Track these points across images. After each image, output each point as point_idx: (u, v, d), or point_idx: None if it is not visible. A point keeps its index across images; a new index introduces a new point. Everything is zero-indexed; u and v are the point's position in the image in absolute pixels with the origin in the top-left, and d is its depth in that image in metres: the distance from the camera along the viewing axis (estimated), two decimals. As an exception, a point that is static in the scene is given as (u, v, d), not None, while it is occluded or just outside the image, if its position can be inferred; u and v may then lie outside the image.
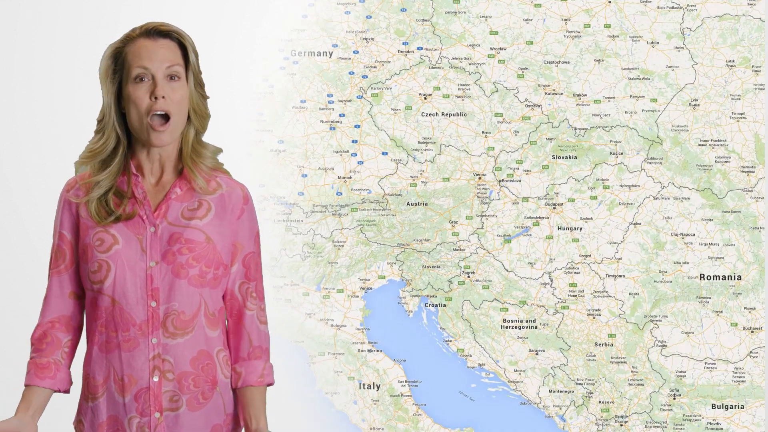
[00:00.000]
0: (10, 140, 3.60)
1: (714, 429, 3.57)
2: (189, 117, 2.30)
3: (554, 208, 3.59)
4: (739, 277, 3.58)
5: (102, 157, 2.28)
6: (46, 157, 3.54)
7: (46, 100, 3.58)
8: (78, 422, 2.33)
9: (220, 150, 2.37)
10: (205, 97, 2.33)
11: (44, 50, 3.58)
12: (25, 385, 2.29)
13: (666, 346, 3.58)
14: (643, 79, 3.59)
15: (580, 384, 3.59)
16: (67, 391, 2.32)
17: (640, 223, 3.59)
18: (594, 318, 3.59)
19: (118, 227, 2.26)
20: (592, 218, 3.59)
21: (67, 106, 3.52)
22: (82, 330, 2.37)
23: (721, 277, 3.59)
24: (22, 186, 3.59)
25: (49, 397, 2.29)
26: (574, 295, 3.59)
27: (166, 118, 2.24)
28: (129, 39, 2.27)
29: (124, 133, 2.29)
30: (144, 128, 2.23)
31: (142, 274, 2.24)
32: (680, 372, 3.58)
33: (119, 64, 2.26)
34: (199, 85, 2.31)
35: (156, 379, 2.24)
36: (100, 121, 2.30)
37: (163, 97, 2.22)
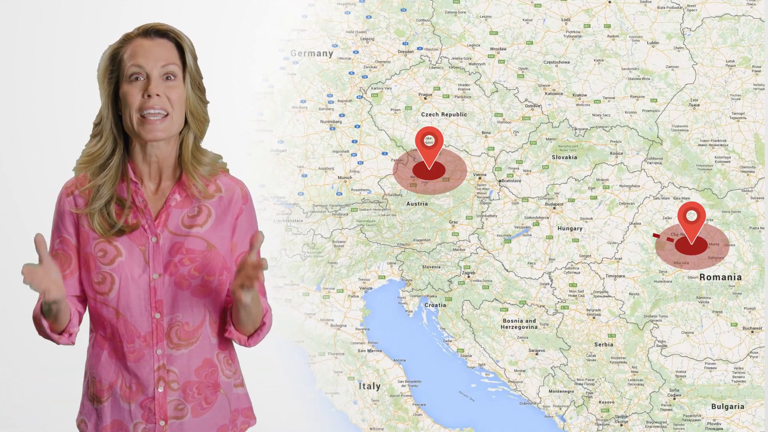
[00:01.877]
0: (10, 140, 3.60)
1: (714, 429, 3.57)
2: (187, 121, 2.27)
3: (554, 208, 3.59)
4: (739, 277, 3.58)
5: (100, 161, 2.25)
6: (46, 157, 3.54)
7: (46, 100, 3.58)
8: (81, 422, 2.33)
9: (219, 157, 2.34)
10: (204, 102, 2.30)
11: (44, 50, 3.58)
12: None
13: (666, 346, 3.58)
14: (643, 79, 3.59)
15: (580, 384, 3.59)
16: (72, 334, 2.25)
17: (640, 223, 3.59)
18: (594, 318, 3.59)
19: (121, 238, 2.23)
20: (592, 218, 3.59)
21: (67, 106, 3.52)
22: (81, 317, 2.34)
23: (721, 277, 3.59)
24: (22, 186, 3.59)
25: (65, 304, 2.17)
26: (574, 295, 3.59)
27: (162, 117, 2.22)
28: (127, 39, 2.25)
29: (121, 136, 2.26)
30: (136, 124, 2.19)
31: (146, 286, 2.23)
32: (680, 372, 3.58)
33: (116, 65, 2.24)
34: (198, 87, 2.28)
35: (161, 389, 2.23)
36: (97, 124, 2.27)
37: (157, 95, 2.19)
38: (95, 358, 2.28)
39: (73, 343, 2.27)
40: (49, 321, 2.19)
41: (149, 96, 2.19)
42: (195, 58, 2.28)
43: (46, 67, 3.57)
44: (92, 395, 2.29)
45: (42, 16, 3.59)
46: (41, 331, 2.23)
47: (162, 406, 2.24)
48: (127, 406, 2.24)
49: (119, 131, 2.25)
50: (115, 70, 2.23)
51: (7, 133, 3.60)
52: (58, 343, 2.25)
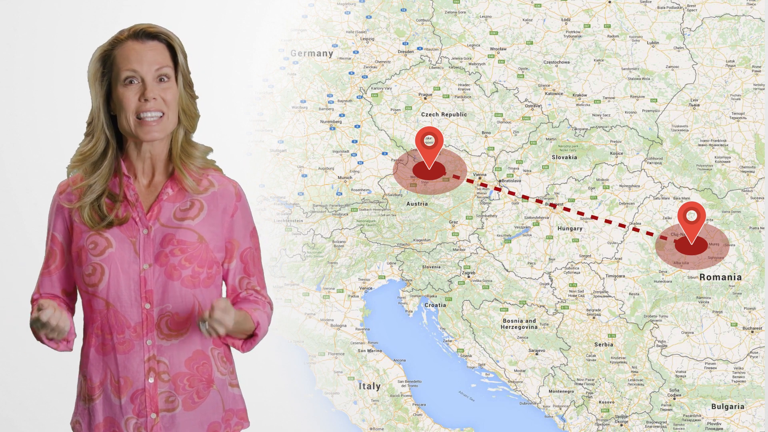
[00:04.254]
0: (10, 140, 3.60)
1: (714, 429, 3.57)
2: (179, 118, 2.30)
3: (554, 208, 3.59)
4: (739, 277, 3.58)
5: (92, 159, 2.29)
6: (46, 157, 3.54)
7: (46, 100, 3.58)
8: (75, 423, 2.34)
9: (210, 149, 2.38)
10: (194, 97, 2.34)
11: (44, 50, 3.58)
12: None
13: (666, 346, 3.58)
14: (643, 79, 3.59)
15: (580, 384, 3.59)
16: (69, 340, 2.29)
17: (640, 223, 3.59)
18: (594, 318, 3.59)
19: (112, 230, 2.27)
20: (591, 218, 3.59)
21: (67, 106, 3.52)
22: (74, 313, 2.37)
23: (721, 277, 3.59)
24: (22, 186, 3.59)
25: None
26: (574, 295, 3.59)
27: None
28: (117, 42, 2.28)
29: (113, 135, 2.30)
30: (133, 126, 2.24)
31: (136, 276, 2.25)
32: (680, 372, 3.58)
33: (108, 67, 2.27)
34: (188, 85, 2.32)
35: (151, 380, 2.25)
36: (89, 123, 2.31)
37: (154, 99, 2.23)
38: (85, 356, 2.31)
39: (71, 350, 2.31)
40: (43, 333, 2.21)
41: (146, 100, 2.22)
42: (185, 56, 2.31)
43: (46, 67, 3.57)
44: (84, 394, 2.31)
45: (42, 16, 3.59)
46: (38, 338, 2.26)
47: (153, 397, 2.25)
48: (117, 401, 2.26)
49: (111, 130, 2.29)
50: (107, 73, 2.27)
51: (7, 133, 3.60)
52: (56, 350, 2.29)
